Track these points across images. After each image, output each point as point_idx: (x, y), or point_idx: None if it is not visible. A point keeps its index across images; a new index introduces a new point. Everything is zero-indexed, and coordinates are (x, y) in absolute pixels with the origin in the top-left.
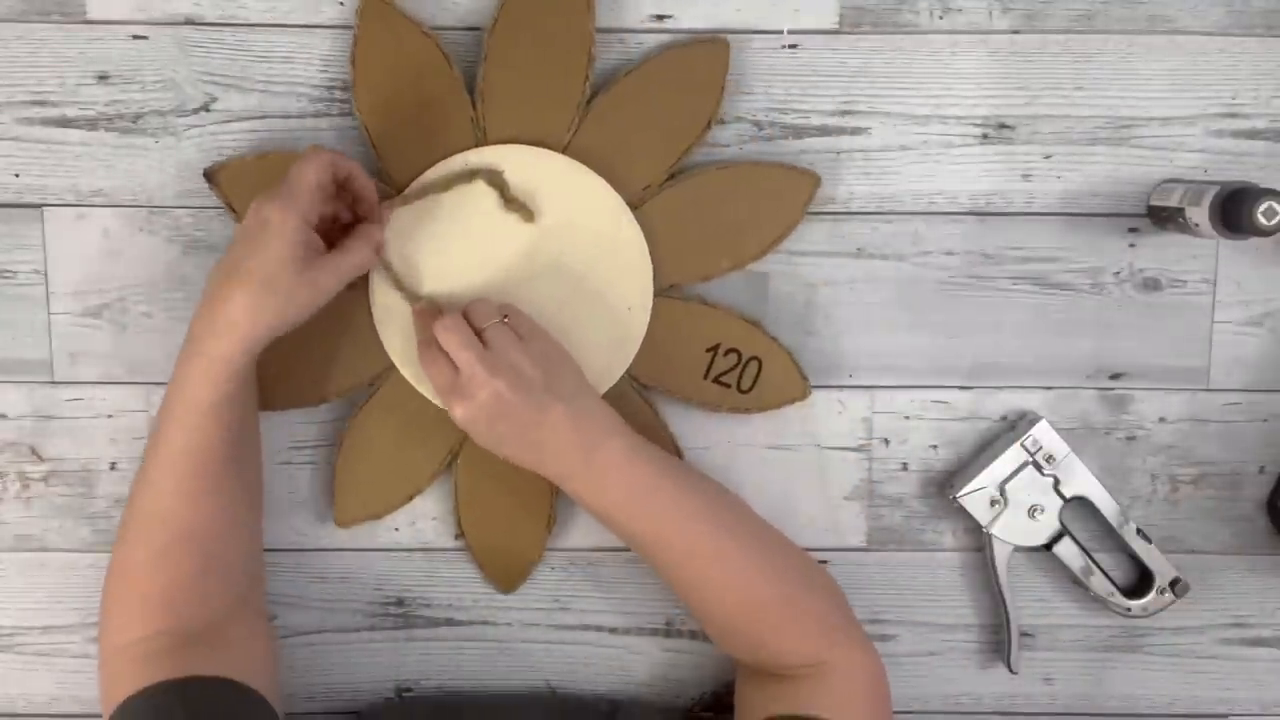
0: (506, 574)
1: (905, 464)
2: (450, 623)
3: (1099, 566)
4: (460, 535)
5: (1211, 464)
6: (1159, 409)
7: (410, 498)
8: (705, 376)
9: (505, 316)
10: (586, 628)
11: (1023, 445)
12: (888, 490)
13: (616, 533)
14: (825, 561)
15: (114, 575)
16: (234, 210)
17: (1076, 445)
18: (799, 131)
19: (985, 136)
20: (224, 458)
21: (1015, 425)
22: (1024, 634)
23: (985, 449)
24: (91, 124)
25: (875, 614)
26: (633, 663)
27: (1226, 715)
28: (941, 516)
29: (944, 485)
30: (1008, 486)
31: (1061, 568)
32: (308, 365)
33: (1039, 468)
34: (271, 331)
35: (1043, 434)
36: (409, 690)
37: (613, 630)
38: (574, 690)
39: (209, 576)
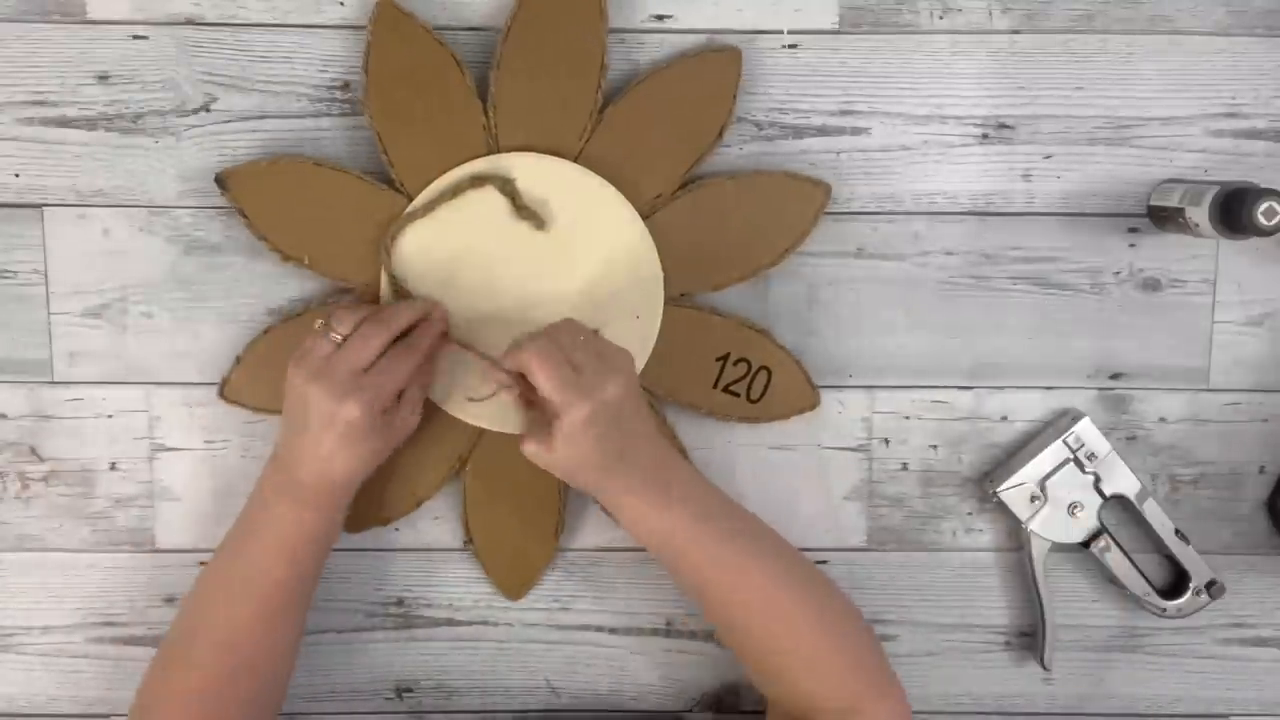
0: (514, 581)
1: (905, 464)
2: (450, 623)
3: (1136, 566)
4: (469, 542)
5: (1211, 464)
6: (1159, 409)
7: (419, 503)
8: (715, 385)
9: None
10: (586, 628)
11: (1064, 442)
12: (888, 490)
13: (664, 558)
14: (825, 561)
15: (162, 693)
16: (245, 215)
17: None
18: (799, 131)
19: (985, 136)
20: (307, 591)
21: (1055, 422)
22: (1024, 633)
23: (1025, 446)
24: (91, 124)
25: (875, 614)
26: (633, 663)
27: (1226, 715)
28: (942, 516)
29: (982, 480)
30: (1048, 483)
31: (1093, 567)
32: None
33: (1080, 465)
34: (366, 469)
35: (1085, 431)
36: (409, 690)
37: (613, 630)
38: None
39: (259, 701)
